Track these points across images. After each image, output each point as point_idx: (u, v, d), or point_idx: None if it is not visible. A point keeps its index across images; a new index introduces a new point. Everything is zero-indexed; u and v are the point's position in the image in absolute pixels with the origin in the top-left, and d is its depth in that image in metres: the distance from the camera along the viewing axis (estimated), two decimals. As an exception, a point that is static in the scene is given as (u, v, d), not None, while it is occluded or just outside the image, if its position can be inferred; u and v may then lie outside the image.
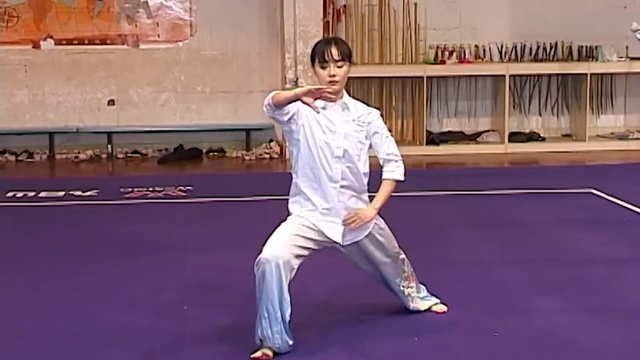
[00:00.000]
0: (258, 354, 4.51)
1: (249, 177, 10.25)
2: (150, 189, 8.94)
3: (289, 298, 4.47)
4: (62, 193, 8.81)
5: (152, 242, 6.91)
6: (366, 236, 4.79)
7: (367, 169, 4.77)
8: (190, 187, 9.03)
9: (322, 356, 4.55)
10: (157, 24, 11.64)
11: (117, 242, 6.91)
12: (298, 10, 10.77)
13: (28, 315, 5.21)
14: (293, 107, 4.55)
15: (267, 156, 11.27)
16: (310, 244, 4.63)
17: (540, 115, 12.00)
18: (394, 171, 4.82)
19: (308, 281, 5.04)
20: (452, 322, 5.02)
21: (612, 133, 11.95)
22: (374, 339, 4.76)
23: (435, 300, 5.20)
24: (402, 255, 5.03)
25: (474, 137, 11.75)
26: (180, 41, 11.68)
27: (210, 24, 11.56)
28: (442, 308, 5.17)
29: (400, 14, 11.67)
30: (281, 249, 4.46)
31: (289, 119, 4.58)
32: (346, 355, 4.57)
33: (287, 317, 4.50)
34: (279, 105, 4.47)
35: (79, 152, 11.37)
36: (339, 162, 4.65)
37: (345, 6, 11.61)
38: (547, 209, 7.99)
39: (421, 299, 5.15)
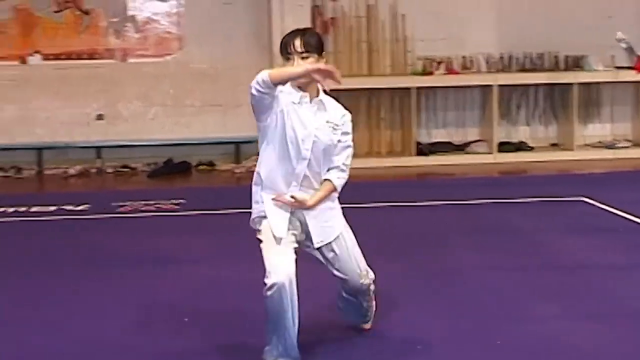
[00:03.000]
0: None
1: (240, 190, 10.22)
2: (143, 203, 8.92)
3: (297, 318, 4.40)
4: (54, 208, 8.78)
5: (146, 255, 6.91)
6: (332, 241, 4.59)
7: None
8: (183, 200, 9.01)
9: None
10: (145, 38, 11.65)
11: (111, 256, 6.90)
12: (286, 23, 10.78)
13: (16, 331, 5.19)
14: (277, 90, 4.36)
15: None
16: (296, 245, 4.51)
17: (528, 125, 12.05)
18: (339, 178, 4.58)
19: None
20: (452, 331, 5.04)
21: (599, 142, 11.99)
22: (375, 349, 4.77)
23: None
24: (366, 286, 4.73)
25: (462, 147, 11.78)
26: (168, 55, 11.69)
27: (199, 37, 11.57)
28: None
29: (387, 25, 11.71)
30: (287, 267, 4.32)
31: (271, 103, 4.35)
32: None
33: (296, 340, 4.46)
34: (278, 82, 4.24)
35: (68, 167, 11.32)
36: (303, 164, 4.45)
37: (333, 18, 11.64)
38: (539, 218, 8.03)
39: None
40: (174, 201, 8.98)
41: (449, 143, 11.82)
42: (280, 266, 4.30)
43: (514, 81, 11.73)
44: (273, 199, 4.46)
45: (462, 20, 11.78)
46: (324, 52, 4.49)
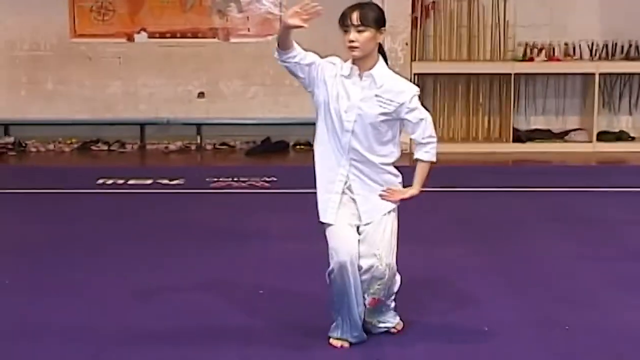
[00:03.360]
0: (337, 343, 4.57)
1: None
2: (235, 180, 9.11)
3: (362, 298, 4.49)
4: (150, 181, 9.05)
5: (234, 229, 7.07)
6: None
7: (387, 152, 4.49)
8: (274, 178, 9.17)
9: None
10: (248, 18, 11.82)
11: (200, 229, 7.10)
12: (387, 6, 10.76)
13: (113, 299, 5.42)
14: (304, 56, 4.46)
15: (352, 150, 11.32)
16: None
17: (630, 114, 11.81)
18: (428, 152, 4.51)
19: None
20: (521, 314, 5.05)
21: (702, 133, 11.72)
22: (444, 328, 4.82)
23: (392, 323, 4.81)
24: (385, 270, 4.50)
25: (561, 136, 11.64)
26: (270, 35, 11.83)
27: (300, 19, 11.66)
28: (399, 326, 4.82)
29: (489, 10, 11.62)
30: (348, 247, 4.40)
31: (299, 66, 4.45)
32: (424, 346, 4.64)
33: (362, 320, 4.55)
34: (281, 45, 4.37)
35: (168, 143, 11.63)
36: (347, 136, 4.43)
37: (434, 2, 11.61)
38: (631, 208, 7.92)
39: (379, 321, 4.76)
40: (266, 179, 9.14)
41: (548, 131, 11.69)
42: (341, 246, 4.39)
43: (616, 69, 11.53)
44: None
45: (566, 6, 11.62)
46: (383, 28, 4.45)
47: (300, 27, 4.31)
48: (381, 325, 4.73)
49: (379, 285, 4.52)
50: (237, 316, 5.04)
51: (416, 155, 4.56)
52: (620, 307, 5.19)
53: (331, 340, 4.60)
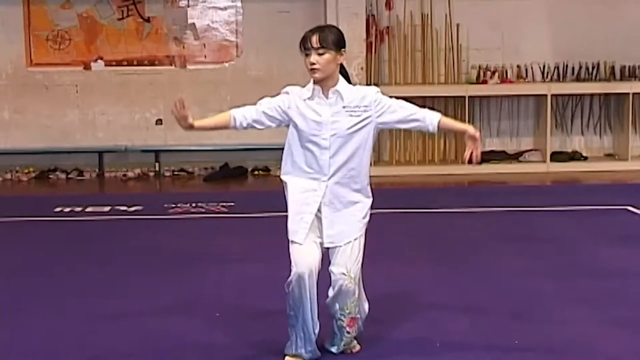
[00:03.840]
0: None
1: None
2: (194, 205, 9.16)
3: (316, 314, 4.58)
4: (108, 208, 9.06)
5: (193, 253, 7.12)
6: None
7: (361, 170, 4.62)
8: (232, 203, 9.23)
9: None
10: (204, 45, 11.91)
11: (159, 254, 7.13)
12: (341, 30, 10.92)
13: (73, 321, 5.44)
14: (253, 113, 4.69)
15: (310, 175, 11.40)
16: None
17: (582, 134, 12.04)
18: (430, 114, 4.69)
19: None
20: (473, 329, 5.15)
21: (655, 153, 11.96)
22: (395, 345, 4.90)
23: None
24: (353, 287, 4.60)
25: (516, 157, 11.82)
26: (226, 62, 11.94)
27: (256, 45, 11.81)
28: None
29: (442, 34, 11.81)
30: (308, 259, 4.50)
31: (259, 122, 4.71)
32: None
33: (316, 335, 4.63)
34: (220, 128, 4.90)
35: (127, 170, 11.65)
36: (325, 154, 4.55)
37: (388, 27, 11.77)
38: (582, 225, 8.07)
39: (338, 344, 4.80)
40: (223, 204, 9.20)
41: (503, 152, 11.86)
42: (302, 259, 4.50)
43: (568, 91, 11.75)
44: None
45: (517, 29, 11.83)
46: (343, 49, 4.59)
47: (190, 126, 4.75)
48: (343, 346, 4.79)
49: (352, 302, 4.62)
50: (198, 337, 5.09)
51: (431, 123, 4.68)
52: (570, 321, 5.30)
53: (286, 358, 4.66)
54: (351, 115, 4.57)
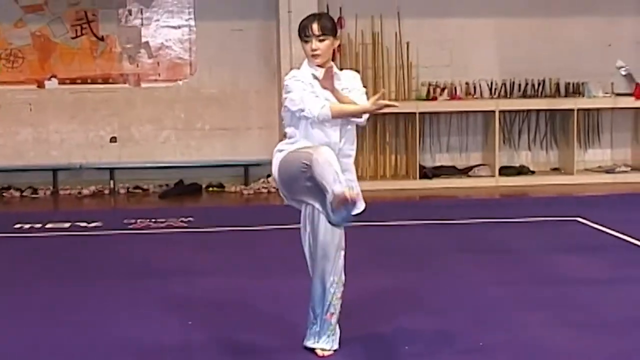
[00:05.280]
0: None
1: (247, 209, 10.58)
2: (153, 220, 9.27)
3: None
4: (68, 224, 9.13)
5: (157, 266, 7.23)
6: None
7: (354, 142, 4.97)
8: (191, 218, 9.36)
9: None
10: (158, 63, 12.03)
11: (122, 267, 7.24)
12: (294, 49, 11.12)
13: (41, 334, 5.52)
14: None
15: (265, 190, 11.58)
16: None
17: (529, 149, 12.36)
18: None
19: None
20: (437, 334, 5.36)
21: (599, 167, 12.30)
22: (364, 346, 5.08)
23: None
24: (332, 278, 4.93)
25: (465, 172, 12.09)
26: (180, 80, 12.07)
27: (210, 63, 11.96)
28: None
29: (392, 52, 12.07)
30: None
31: None
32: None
33: None
34: (338, 118, 4.74)
35: (82, 188, 11.69)
36: (337, 131, 4.86)
37: (340, 45, 11.93)
38: (533, 236, 8.33)
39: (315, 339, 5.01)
40: (182, 219, 9.33)
41: (452, 167, 12.13)
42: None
43: (515, 107, 12.06)
44: None
45: (466, 47, 12.13)
46: (338, 34, 4.94)
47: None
48: (316, 345, 4.97)
49: (338, 300, 4.94)
50: (168, 347, 5.21)
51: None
52: (526, 325, 5.53)
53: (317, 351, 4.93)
54: (349, 93, 4.87)
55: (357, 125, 4.98)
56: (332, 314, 4.94)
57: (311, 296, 4.96)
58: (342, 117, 4.76)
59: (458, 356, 4.98)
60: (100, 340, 5.34)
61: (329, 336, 4.96)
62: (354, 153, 5.01)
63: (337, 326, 4.99)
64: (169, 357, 5.05)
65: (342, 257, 4.98)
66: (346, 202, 4.50)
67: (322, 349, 4.96)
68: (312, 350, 4.97)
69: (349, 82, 4.95)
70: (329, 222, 4.77)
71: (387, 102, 4.75)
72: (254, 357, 4.96)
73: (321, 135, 4.84)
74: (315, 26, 4.81)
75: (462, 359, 4.94)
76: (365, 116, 4.87)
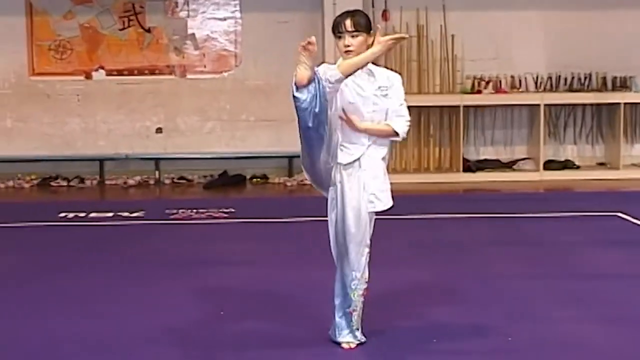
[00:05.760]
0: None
1: (290, 200, 10.63)
2: (195, 211, 9.36)
3: None
4: (111, 214, 9.27)
5: (196, 257, 7.33)
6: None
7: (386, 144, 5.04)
8: (232, 210, 9.44)
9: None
10: (204, 55, 12.13)
11: (162, 258, 7.33)
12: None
13: (79, 324, 5.59)
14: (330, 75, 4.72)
15: (308, 182, 11.59)
16: None
17: (575, 143, 12.26)
18: (397, 123, 4.94)
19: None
20: (468, 327, 5.37)
21: (646, 162, 12.20)
22: (392, 339, 5.10)
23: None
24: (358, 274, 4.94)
25: (510, 165, 12.03)
26: (225, 72, 12.16)
27: (255, 55, 12.03)
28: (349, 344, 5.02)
29: (437, 45, 12.03)
30: None
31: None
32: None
33: None
34: (350, 74, 4.68)
35: (127, 178, 11.85)
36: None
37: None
38: (573, 231, 8.29)
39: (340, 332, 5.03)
40: (224, 210, 9.41)
41: (496, 160, 12.08)
42: None
43: (561, 101, 11.97)
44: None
45: (511, 40, 12.07)
46: (372, 31, 4.91)
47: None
48: (340, 339, 4.99)
49: (359, 297, 4.93)
50: (199, 339, 5.28)
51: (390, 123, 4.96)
52: (559, 320, 5.51)
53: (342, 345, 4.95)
54: (382, 92, 4.90)
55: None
56: (354, 310, 4.95)
57: (334, 290, 4.99)
58: (353, 72, 4.68)
59: (484, 350, 4.98)
60: (138, 329, 5.42)
61: (351, 331, 4.98)
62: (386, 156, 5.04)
63: (360, 320, 5.00)
64: (196, 346, 5.11)
65: (365, 255, 4.95)
66: None
67: (348, 342, 4.98)
68: (339, 343, 5.00)
69: (386, 83, 4.92)
70: None
71: (392, 36, 4.74)
72: (281, 348, 4.99)
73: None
74: (348, 22, 4.81)
75: (489, 354, 4.94)
76: (402, 135, 4.93)
